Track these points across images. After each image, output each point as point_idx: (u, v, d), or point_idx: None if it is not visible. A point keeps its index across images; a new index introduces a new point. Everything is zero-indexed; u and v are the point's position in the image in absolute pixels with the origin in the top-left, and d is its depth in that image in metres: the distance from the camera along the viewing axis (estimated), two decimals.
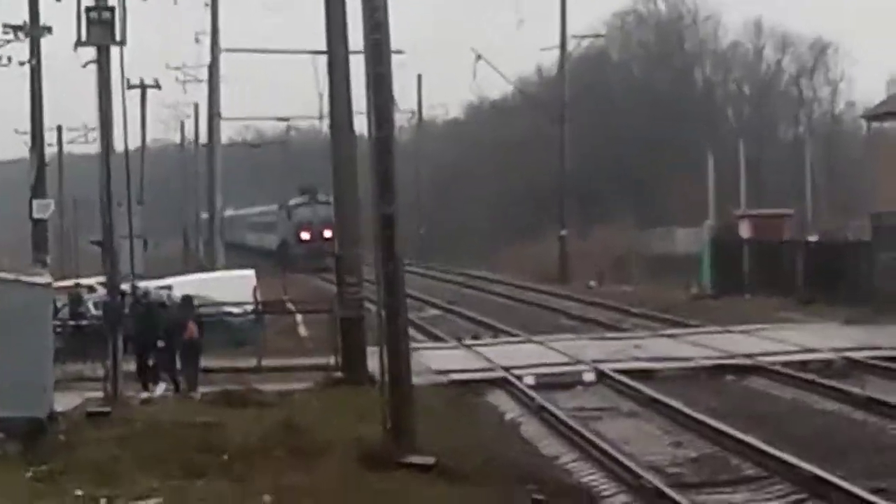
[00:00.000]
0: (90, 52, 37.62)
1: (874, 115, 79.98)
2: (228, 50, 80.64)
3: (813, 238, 75.17)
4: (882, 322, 52.34)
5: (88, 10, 36.60)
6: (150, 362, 39.53)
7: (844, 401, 34.99)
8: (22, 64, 56.43)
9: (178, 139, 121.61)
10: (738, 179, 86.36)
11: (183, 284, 51.59)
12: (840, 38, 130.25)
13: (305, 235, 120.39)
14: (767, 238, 74.11)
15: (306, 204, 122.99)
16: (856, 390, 36.06)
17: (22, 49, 56.08)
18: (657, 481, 25.00)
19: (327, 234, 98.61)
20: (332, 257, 73.06)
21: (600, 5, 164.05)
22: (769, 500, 24.28)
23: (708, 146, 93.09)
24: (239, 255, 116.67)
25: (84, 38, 36.92)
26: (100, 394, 35.57)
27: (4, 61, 57.87)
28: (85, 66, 38.89)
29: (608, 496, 25.39)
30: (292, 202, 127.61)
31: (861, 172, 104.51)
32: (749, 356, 43.29)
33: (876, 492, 23.19)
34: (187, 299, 41.81)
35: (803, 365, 41.02)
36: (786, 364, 41.16)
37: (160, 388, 38.67)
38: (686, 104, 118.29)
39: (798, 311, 60.07)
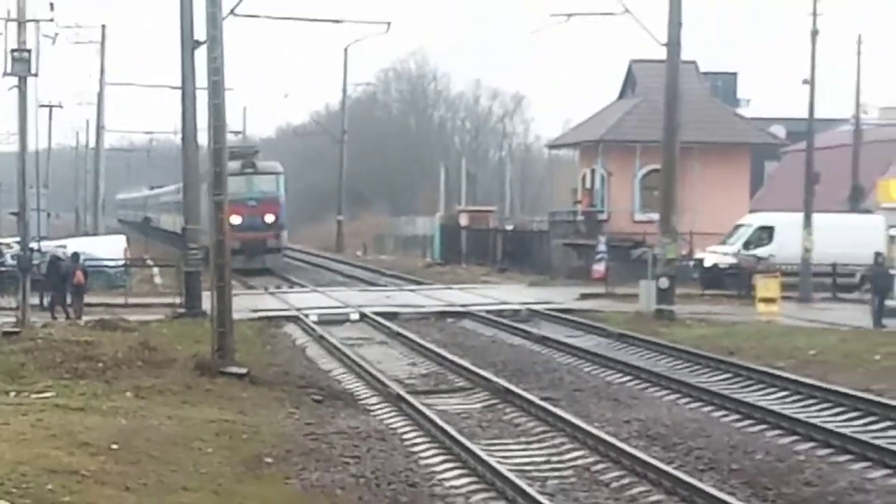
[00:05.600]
0: (13, 80, 36.90)
1: (553, 145, 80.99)
2: (111, 84, 79.53)
3: (509, 227, 75.90)
4: (554, 285, 53.15)
5: (13, 50, 36.05)
6: (49, 299, 39.22)
7: (526, 337, 35.43)
8: None
9: (74, 143, 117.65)
10: (461, 186, 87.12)
11: (74, 244, 50.84)
12: (532, 91, 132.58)
13: (236, 219, 52.48)
14: (478, 226, 74.70)
15: (238, 174, 59.88)
16: (534, 330, 36.65)
17: None
18: (398, 388, 25.23)
19: (269, 218, 62.39)
20: (275, 253, 64.03)
21: (372, 63, 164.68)
22: (474, 403, 24.55)
23: (441, 162, 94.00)
24: (151, 238, 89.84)
25: (9, 70, 36.31)
26: (13, 319, 34.88)
27: None
28: (10, 89, 38.14)
29: (365, 398, 25.51)
30: None
31: (543, 184, 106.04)
32: (464, 305, 43.53)
33: (545, 399, 23.72)
34: (76, 254, 41.56)
35: (500, 313, 41.36)
36: (488, 311, 41.48)
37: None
38: (427, 133, 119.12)
39: (497, 276, 60.64)
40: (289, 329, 38.34)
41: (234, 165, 57.62)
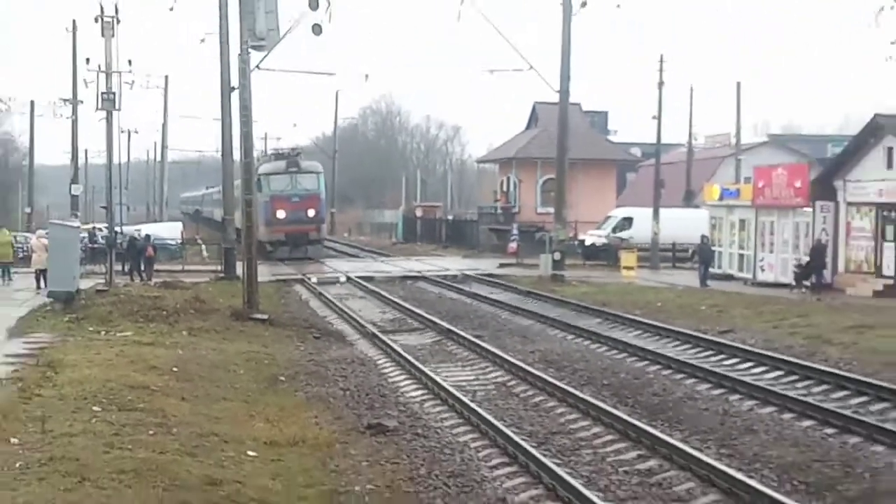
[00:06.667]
0: (103, 114, 36.58)
1: (480, 161, 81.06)
2: (172, 116, 79.75)
3: (450, 217, 75.92)
4: (481, 258, 53.18)
5: (103, 93, 35.81)
6: (128, 267, 38.98)
7: (462, 294, 35.47)
8: (67, 118, 55.02)
9: (145, 158, 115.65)
10: (417, 188, 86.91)
11: (145, 228, 50.46)
12: (466, 122, 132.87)
13: (281, 214, 49.18)
14: (429, 216, 74.64)
15: (284, 173, 50.33)
16: (467, 289, 36.70)
17: (67, 110, 54.91)
18: (373, 329, 25.25)
19: (311, 212, 49.41)
20: (316, 244, 51.61)
21: (355, 102, 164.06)
22: (425, 339, 24.51)
23: (403, 172, 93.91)
24: (204, 228, 79.43)
25: (100, 106, 36.06)
26: (103, 281, 34.57)
27: (55, 115, 57.30)
28: (100, 120, 37.81)
29: (350, 335, 25.49)
30: (263, 169, 50.64)
31: (473, 187, 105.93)
32: (418, 272, 43.53)
33: (475, 336, 23.73)
34: (147, 236, 41.41)
35: (443, 276, 41.44)
36: (435, 276, 41.52)
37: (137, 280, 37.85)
38: (393, 152, 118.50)
39: (442, 251, 60.62)
40: (297, 288, 38.17)
41: (280, 165, 50.70)
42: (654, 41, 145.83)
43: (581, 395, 16.53)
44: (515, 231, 53.85)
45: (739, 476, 11.71)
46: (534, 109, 66.17)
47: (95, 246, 43.84)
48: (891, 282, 32.34)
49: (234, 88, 34.31)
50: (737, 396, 16.84)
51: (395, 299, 32.53)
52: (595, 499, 10.88)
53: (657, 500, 11.49)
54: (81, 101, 53.26)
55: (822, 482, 11.95)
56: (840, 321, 24.67)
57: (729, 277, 38.90)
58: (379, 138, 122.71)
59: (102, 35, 36.57)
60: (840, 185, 35.14)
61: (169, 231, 54.81)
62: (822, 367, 18.63)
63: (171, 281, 34.42)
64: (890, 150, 33.08)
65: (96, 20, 36.52)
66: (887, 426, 14.11)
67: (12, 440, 12.41)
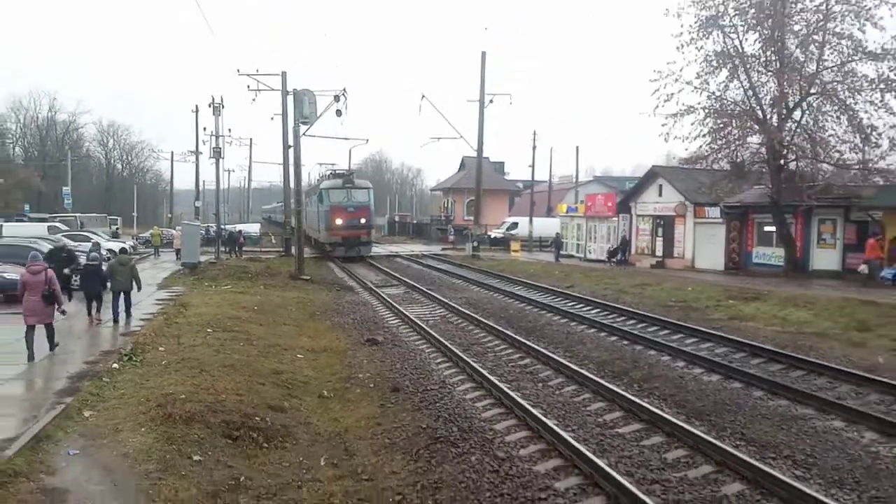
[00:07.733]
0: (213, 160, 35.74)
1: (433, 189, 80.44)
2: (256, 162, 78.12)
3: (415, 221, 74.54)
4: (432, 245, 52.66)
5: (213, 148, 35.04)
6: (228, 248, 38.17)
7: (424, 266, 34.96)
8: (192, 162, 54.02)
9: (238, 185, 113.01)
10: (396, 205, 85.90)
11: (239, 226, 49.39)
12: (424, 166, 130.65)
13: (339, 221, 35.07)
14: (403, 221, 74.01)
15: (341, 188, 35.60)
16: (424, 262, 36.29)
17: (192, 157, 53.75)
18: (371, 285, 24.85)
19: (362, 220, 36.93)
20: (366, 245, 37.84)
21: (361, 155, 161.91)
22: (400, 290, 24.11)
23: (388, 196, 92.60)
24: (273, 227, 70.43)
25: (211, 156, 35.26)
26: (213, 257, 33.89)
27: (185, 160, 55.86)
28: (211, 164, 37.05)
29: (357, 288, 24.97)
30: (325, 185, 36.79)
31: (428, 205, 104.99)
32: (397, 252, 42.85)
33: (428, 289, 23.44)
34: (239, 231, 40.60)
35: (410, 255, 41.01)
36: (408, 254, 40.95)
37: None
38: (382, 185, 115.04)
39: (410, 241, 59.99)
40: (329, 264, 37.63)
41: (337, 182, 38.62)
42: (532, 118, 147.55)
43: (488, 322, 16.46)
44: (452, 230, 53.86)
45: (575, 367, 11.90)
46: (462, 160, 66.20)
47: (209, 236, 43.04)
48: (660, 259, 32.98)
49: (290, 146, 33.89)
50: (574, 323, 16.89)
51: (382, 267, 32.14)
52: (494, 380, 11.00)
53: (529, 381, 11.65)
54: (200, 153, 51.90)
55: (620, 370, 12.22)
56: (632, 281, 25.03)
57: (571, 257, 39.27)
58: (374, 176, 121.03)
59: (213, 114, 35.89)
60: (633, 205, 35.68)
61: (253, 228, 54.09)
62: (622, 307, 18.83)
63: (254, 257, 33.86)
64: (661, 186, 33.66)
65: (209, 105, 35.86)
66: (657, 339, 14.40)
67: (160, 348, 12.24)
